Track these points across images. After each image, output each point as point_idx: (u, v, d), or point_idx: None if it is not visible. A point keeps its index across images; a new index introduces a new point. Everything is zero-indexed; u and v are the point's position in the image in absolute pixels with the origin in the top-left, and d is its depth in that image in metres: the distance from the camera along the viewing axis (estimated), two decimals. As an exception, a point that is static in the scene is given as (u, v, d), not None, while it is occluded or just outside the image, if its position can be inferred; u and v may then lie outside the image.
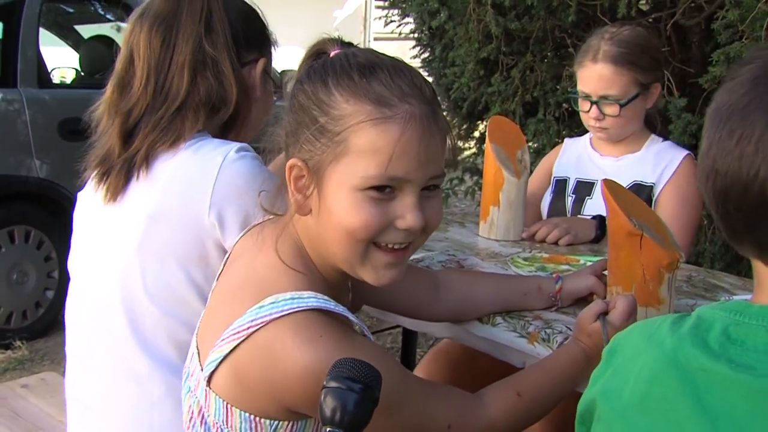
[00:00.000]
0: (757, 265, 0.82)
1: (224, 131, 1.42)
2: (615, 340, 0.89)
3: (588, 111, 2.02)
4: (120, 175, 1.35)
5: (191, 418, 1.10)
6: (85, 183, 1.45)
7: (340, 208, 1.00)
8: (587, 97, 2.01)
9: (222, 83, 1.38)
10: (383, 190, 0.99)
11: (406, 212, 1.00)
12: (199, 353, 1.09)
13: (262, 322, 0.98)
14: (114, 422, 1.37)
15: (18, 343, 3.76)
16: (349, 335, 1.00)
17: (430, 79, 4.09)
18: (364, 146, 0.98)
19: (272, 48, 1.54)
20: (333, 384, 0.80)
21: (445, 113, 4.09)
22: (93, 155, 1.41)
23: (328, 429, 0.78)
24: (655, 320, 0.85)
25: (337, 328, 0.99)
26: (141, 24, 1.39)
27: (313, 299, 1.00)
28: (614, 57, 1.96)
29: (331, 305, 1.01)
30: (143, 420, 1.34)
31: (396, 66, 1.03)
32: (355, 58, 1.03)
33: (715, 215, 0.81)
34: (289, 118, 1.07)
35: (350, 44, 1.16)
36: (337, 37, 1.20)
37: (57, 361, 3.56)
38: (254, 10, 1.50)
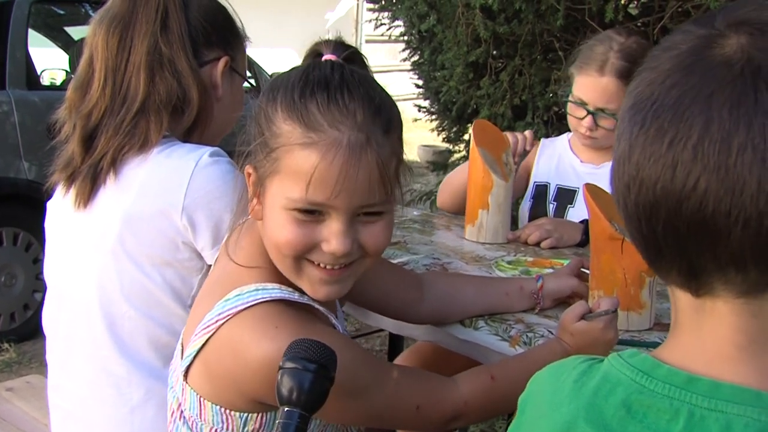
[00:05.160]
0: (679, 299, 0.69)
1: (187, 132, 1.40)
2: (530, 385, 0.78)
3: (582, 119, 1.99)
4: (86, 181, 1.34)
5: (173, 413, 1.13)
6: (54, 191, 1.44)
7: (271, 222, 1.03)
8: (583, 104, 1.98)
9: (181, 83, 1.36)
10: (310, 213, 0.99)
11: (331, 237, 0.99)
12: (183, 349, 1.11)
13: (227, 315, 1.01)
14: (95, 428, 1.37)
15: (6, 345, 3.75)
16: (309, 325, 1.02)
17: (419, 82, 4.12)
18: (291, 168, 0.98)
19: (243, 45, 1.50)
20: (289, 365, 0.81)
21: (434, 116, 4.06)
22: (59, 159, 1.40)
23: (285, 409, 0.79)
24: (566, 368, 0.74)
25: (298, 318, 1.02)
26: (100, 25, 1.38)
27: (277, 290, 1.03)
28: (621, 72, 1.90)
29: (295, 296, 1.04)
30: (124, 425, 1.34)
31: (341, 87, 0.99)
32: (310, 75, 1.02)
33: (635, 234, 0.68)
34: (250, 124, 1.08)
35: (347, 46, 1.15)
36: (334, 38, 1.19)
37: (45, 363, 3.54)
38: (219, 6, 1.46)
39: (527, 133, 2.08)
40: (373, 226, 1.02)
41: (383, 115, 1.00)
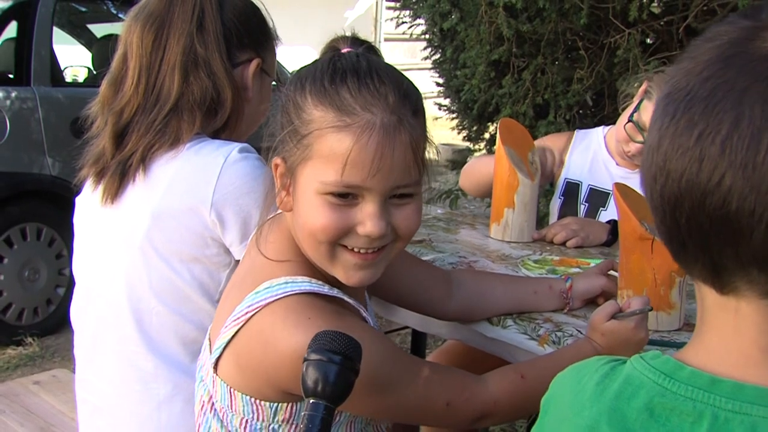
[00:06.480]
0: (705, 296, 0.67)
1: (217, 132, 1.41)
2: (552, 387, 0.78)
3: (635, 142, 1.98)
4: (115, 177, 1.35)
5: (202, 407, 1.13)
6: (82, 187, 1.45)
7: (304, 210, 1.03)
8: (643, 132, 1.95)
9: (215, 84, 1.37)
10: (344, 197, 1.00)
11: (366, 219, 1.01)
12: (210, 344, 1.12)
13: (258, 307, 1.02)
14: (122, 423, 1.38)
15: (29, 339, 3.79)
16: (340, 317, 1.02)
17: (440, 81, 4.11)
18: (324, 152, 0.99)
19: (274, 46, 1.51)
20: (314, 356, 0.81)
21: (454, 115, 4.04)
22: (89, 153, 1.41)
23: (311, 401, 0.79)
24: (587, 369, 0.73)
25: (329, 310, 1.02)
26: (135, 22, 1.38)
27: (306, 283, 1.04)
28: None
29: (325, 289, 1.05)
30: (151, 420, 1.35)
31: (370, 72, 1.02)
32: (337, 63, 1.04)
33: (661, 226, 0.67)
34: (276, 117, 1.09)
35: (362, 41, 1.15)
36: (350, 35, 1.20)
37: (67, 357, 3.58)
38: (254, 8, 1.47)
39: (557, 153, 2.07)
40: (405, 209, 1.04)
41: (411, 97, 1.03)
